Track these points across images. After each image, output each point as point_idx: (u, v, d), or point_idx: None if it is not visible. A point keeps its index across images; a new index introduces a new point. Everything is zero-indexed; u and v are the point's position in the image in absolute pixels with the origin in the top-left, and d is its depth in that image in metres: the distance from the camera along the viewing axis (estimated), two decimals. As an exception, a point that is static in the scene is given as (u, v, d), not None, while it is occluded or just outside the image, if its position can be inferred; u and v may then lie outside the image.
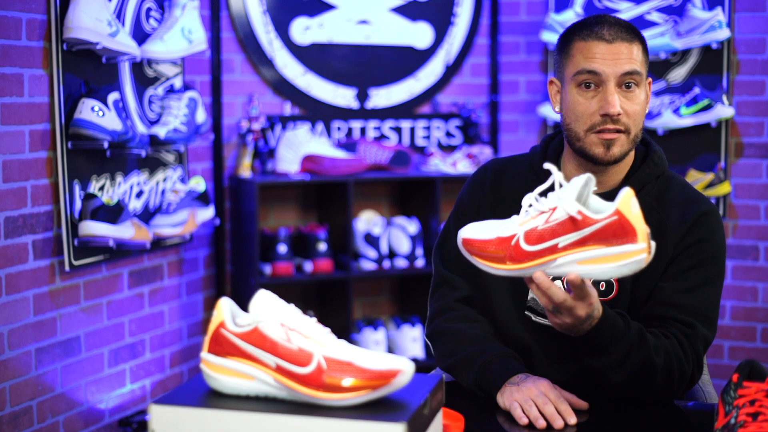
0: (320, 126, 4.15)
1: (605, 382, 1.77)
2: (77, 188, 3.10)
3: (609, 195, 1.87)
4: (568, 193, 1.52)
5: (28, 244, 2.94)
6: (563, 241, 1.51)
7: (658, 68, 3.97)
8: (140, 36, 3.34)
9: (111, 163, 3.27)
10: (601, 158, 1.86)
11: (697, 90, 3.85)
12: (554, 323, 1.67)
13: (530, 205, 1.58)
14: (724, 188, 3.86)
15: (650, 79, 1.92)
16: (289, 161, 3.90)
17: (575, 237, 1.50)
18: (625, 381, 1.75)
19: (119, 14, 3.24)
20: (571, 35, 1.89)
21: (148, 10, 3.39)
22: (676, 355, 1.77)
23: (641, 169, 1.91)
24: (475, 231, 1.62)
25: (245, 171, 3.85)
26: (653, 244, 1.50)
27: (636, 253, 1.47)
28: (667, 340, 1.77)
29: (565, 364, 1.89)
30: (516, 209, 1.91)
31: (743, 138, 3.93)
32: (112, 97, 3.09)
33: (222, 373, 1.36)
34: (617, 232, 1.48)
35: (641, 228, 1.47)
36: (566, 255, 1.52)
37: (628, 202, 1.48)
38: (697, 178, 3.83)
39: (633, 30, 1.88)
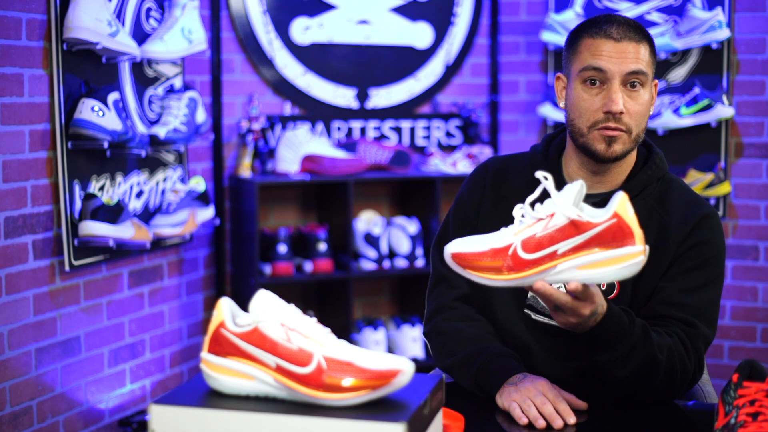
0: (320, 126, 4.15)
1: (608, 379, 1.77)
2: (77, 188, 3.10)
3: (611, 195, 1.87)
4: (564, 199, 1.52)
5: (28, 244, 2.94)
6: (563, 246, 1.51)
7: (658, 68, 3.88)
8: (140, 36, 3.34)
9: (111, 163, 3.26)
10: (602, 154, 1.86)
11: (697, 90, 3.85)
12: (559, 322, 1.67)
13: (523, 216, 1.58)
14: (724, 188, 3.86)
15: (656, 81, 1.92)
16: (289, 161, 3.90)
17: (575, 242, 1.50)
18: (629, 378, 1.75)
19: (119, 14, 3.24)
20: (580, 32, 1.90)
21: (148, 10, 3.39)
22: (678, 354, 1.78)
23: (643, 171, 1.92)
24: (464, 245, 1.61)
25: (245, 171, 3.84)
26: (647, 247, 1.51)
27: (635, 255, 1.48)
28: (670, 339, 1.78)
29: (565, 362, 1.89)
30: (514, 207, 1.92)
31: (743, 138, 3.93)
32: (112, 97, 3.09)
33: (222, 373, 1.36)
34: (616, 234, 1.48)
35: (638, 230, 1.49)
36: (566, 261, 1.52)
37: (624, 205, 1.49)
38: (697, 178, 3.83)
39: (642, 31, 1.89)
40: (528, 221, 1.56)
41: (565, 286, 1.61)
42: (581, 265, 1.51)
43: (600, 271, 1.50)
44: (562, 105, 1.95)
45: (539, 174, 1.57)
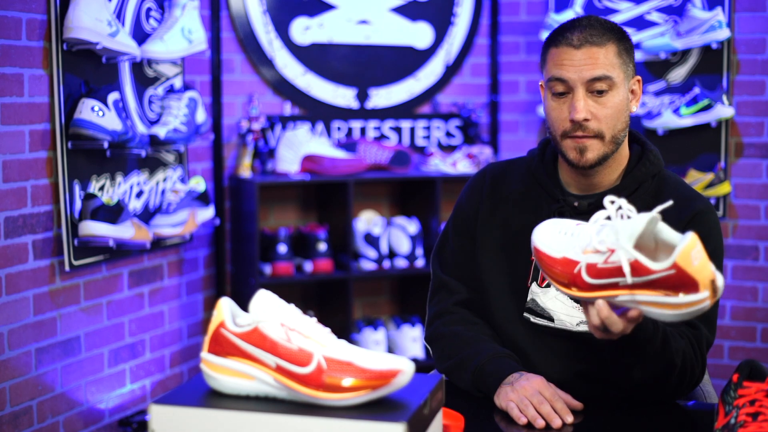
0: (320, 126, 4.14)
1: (623, 379, 1.77)
2: (77, 188, 3.09)
3: (605, 195, 1.88)
4: (626, 237, 1.45)
5: (28, 244, 2.93)
6: (623, 281, 1.46)
7: (658, 68, 3.96)
8: (140, 36, 3.33)
9: (111, 163, 3.26)
10: (576, 163, 1.87)
11: (697, 90, 3.84)
12: (596, 334, 1.62)
13: (596, 221, 1.53)
14: (724, 188, 3.86)
15: (639, 77, 1.92)
16: (289, 161, 3.89)
17: (635, 281, 1.45)
18: (645, 379, 1.75)
19: (119, 14, 3.23)
20: (549, 41, 1.90)
21: (148, 10, 3.39)
22: (690, 357, 1.78)
23: (637, 168, 1.91)
24: (546, 240, 1.58)
25: (245, 171, 3.84)
26: (720, 282, 1.43)
27: (698, 303, 1.41)
28: (683, 342, 1.78)
29: (564, 364, 1.89)
30: (515, 213, 1.97)
31: (743, 138, 3.92)
32: (112, 97, 3.08)
33: (222, 373, 1.36)
34: (677, 284, 1.42)
35: (703, 277, 1.40)
36: (627, 294, 1.47)
37: (689, 254, 1.40)
38: (697, 178, 3.82)
39: (608, 32, 1.86)
40: (594, 243, 1.50)
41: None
42: (642, 302, 1.46)
43: (660, 311, 1.44)
44: (543, 112, 1.96)
45: (607, 200, 1.52)
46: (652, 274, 1.42)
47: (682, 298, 1.41)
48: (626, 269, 1.45)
